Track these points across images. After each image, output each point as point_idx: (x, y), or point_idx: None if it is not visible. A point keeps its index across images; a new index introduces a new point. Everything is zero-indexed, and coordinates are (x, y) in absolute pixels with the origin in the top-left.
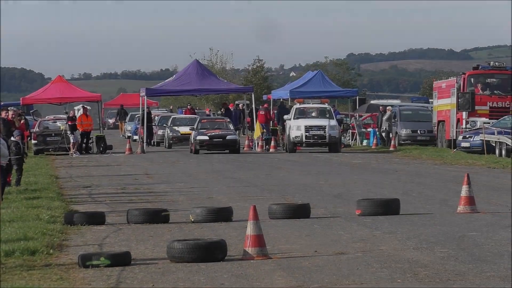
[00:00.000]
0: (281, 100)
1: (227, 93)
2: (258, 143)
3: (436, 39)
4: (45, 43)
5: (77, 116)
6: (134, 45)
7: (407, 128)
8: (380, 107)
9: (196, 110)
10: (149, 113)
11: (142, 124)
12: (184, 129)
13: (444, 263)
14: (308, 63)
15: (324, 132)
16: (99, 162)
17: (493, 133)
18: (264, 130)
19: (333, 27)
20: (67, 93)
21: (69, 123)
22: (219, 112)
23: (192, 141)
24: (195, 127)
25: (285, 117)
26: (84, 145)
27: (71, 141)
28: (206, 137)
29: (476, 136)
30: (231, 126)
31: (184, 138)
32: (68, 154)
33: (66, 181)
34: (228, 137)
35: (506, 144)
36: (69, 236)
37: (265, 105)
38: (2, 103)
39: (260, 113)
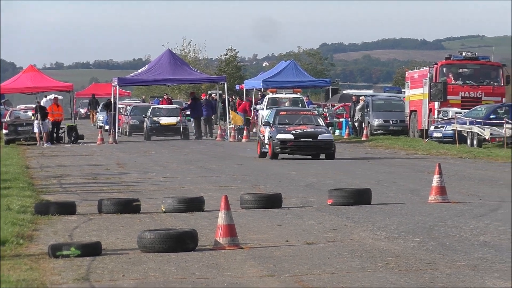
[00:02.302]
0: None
1: (200, 83)
2: (230, 133)
3: (409, 29)
4: (16, 32)
5: (47, 106)
6: (106, 35)
7: (379, 118)
8: (353, 97)
9: (172, 102)
10: (114, 103)
11: (107, 112)
12: (165, 120)
13: (415, 252)
14: (281, 53)
15: None
16: (70, 152)
17: (465, 123)
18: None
19: (306, 18)
20: (38, 82)
21: (33, 112)
22: (186, 102)
23: (266, 140)
24: (271, 122)
25: (258, 107)
26: (55, 135)
27: (35, 130)
28: (290, 136)
29: (448, 126)
30: (320, 121)
31: (165, 129)
32: (39, 144)
33: (37, 171)
34: (320, 137)
35: (478, 134)
36: (40, 226)
37: (249, 98)
38: None
39: (241, 102)
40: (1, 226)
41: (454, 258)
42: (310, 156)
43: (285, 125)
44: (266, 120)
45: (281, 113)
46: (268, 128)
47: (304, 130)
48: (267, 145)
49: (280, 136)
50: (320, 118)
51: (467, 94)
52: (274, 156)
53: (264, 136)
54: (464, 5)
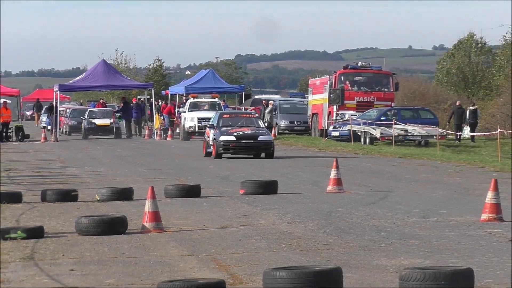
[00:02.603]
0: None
1: (130, 89)
2: (157, 132)
3: (312, 42)
4: None
5: None
6: (49, 46)
7: (285, 119)
8: (263, 101)
9: (107, 106)
10: (55, 106)
11: (50, 116)
12: (100, 121)
13: (314, 235)
14: (201, 62)
15: None
16: (18, 149)
17: (359, 124)
18: (163, 121)
19: (223, 31)
20: None
21: None
22: (119, 106)
23: (211, 141)
24: (215, 124)
25: (180, 109)
26: (4, 134)
27: None
28: (232, 138)
29: (344, 127)
30: (261, 123)
31: (100, 129)
32: None
33: None
34: (260, 138)
35: (370, 134)
36: None
37: (173, 102)
38: None
39: (165, 105)
40: None
41: (348, 239)
42: (252, 156)
43: (228, 127)
44: (211, 123)
45: (224, 116)
46: (212, 130)
47: (245, 132)
48: (211, 146)
49: (223, 138)
50: (260, 121)
51: (361, 99)
52: (218, 156)
53: (209, 137)
54: (360, 19)
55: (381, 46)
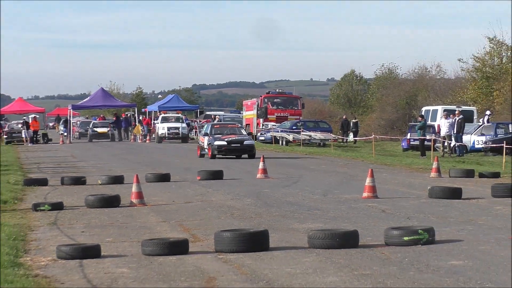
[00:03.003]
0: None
1: (120, 107)
2: (139, 137)
3: (246, 75)
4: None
5: (30, 121)
6: (65, 78)
7: None
8: (212, 116)
9: (106, 119)
10: (69, 119)
11: (66, 126)
12: (100, 129)
13: (249, 207)
14: (169, 89)
15: (178, 130)
16: (44, 148)
17: (278, 131)
18: (143, 130)
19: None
20: (24, 107)
21: (21, 125)
22: (112, 119)
23: (206, 145)
24: (208, 132)
25: (155, 121)
26: (34, 138)
27: (22, 136)
28: (224, 142)
29: (268, 133)
30: (243, 131)
31: (100, 135)
32: (24, 144)
33: (24, 160)
34: (245, 142)
35: (285, 138)
36: (26, 193)
37: (150, 116)
38: None
39: (145, 119)
40: (3, 192)
41: (271, 211)
42: (234, 156)
43: (219, 134)
44: (205, 132)
45: (215, 126)
46: (206, 137)
47: (234, 138)
48: (206, 149)
49: (217, 143)
50: (243, 129)
51: (279, 114)
52: (213, 157)
53: (203, 143)
54: (277, 61)
55: (292, 78)
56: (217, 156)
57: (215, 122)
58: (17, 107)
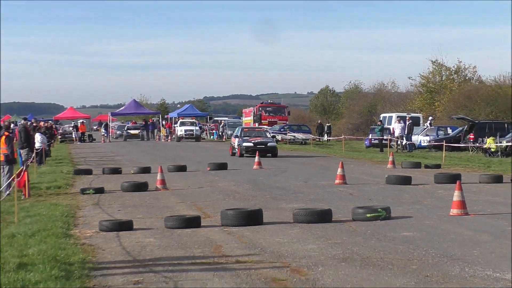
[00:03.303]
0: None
1: (148, 114)
2: (162, 137)
3: (244, 89)
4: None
5: (78, 125)
6: (105, 92)
7: (231, 130)
8: (219, 120)
9: (137, 123)
10: (109, 124)
11: (106, 129)
12: (133, 131)
13: (247, 191)
14: (186, 100)
15: (193, 132)
16: (89, 146)
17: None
18: (166, 132)
19: (197, 81)
20: (74, 114)
21: (72, 128)
22: (142, 123)
23: (236, 145)
24: (238, 135)
25: (175, 125)
26: (82, 138)
27: (73, 136)
28: (251, 144)
29: (280, 136)
30: (268, 134)
31: (133, 136)
32: (74, 143)
33: (74, 155)
34: (269, 144)
35: (276, 137)
36: (76, 180)
37: (171, 121)
38: (40, 118)
39: (167, 123)
40: (57, 179)
41: (265, 193)
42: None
43: (247, 137)
44: (235, 134)
45: (244, 129)
46: (237, 139)
47: (259, 140)
48: (236, 149)
49: (245, 144)
50: (268, 132)
51: (270, 120)
52: (241, 155)
53: (234, 143)
54: (268, 77)
55: (280, 91)
56: (245, 155)
57: (244, 126)
58: (68, 114)
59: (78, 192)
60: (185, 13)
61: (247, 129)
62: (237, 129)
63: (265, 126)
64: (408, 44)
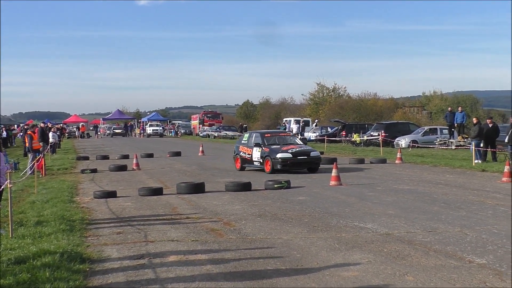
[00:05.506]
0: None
1: (128, 119)
2: (138, 135)
3: (190, 100)
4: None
5: (80, 127)
6: (98, 104)
7: (184, 130)
8: (175, 123)
9: (120, 125)
10: (97, 126)
11: (97, 129)
12: (117, 130)
13: (194, 171)
14: (153, 109)
15: (158, 131)
16: (87, 141)
17: (209, 132)
18: (140, 130)
19: (163, 96)
20: (77, 119)
21: (75, 129)
22: (122, 125)
23: (259, 158)
24: (260, 143)
25: (146, 126)
26: (82, 135)
27: (76, 134)
28: (289, 155)
29: (204, 132)
30: (298, 140)
31: (117, 134)
32: (77, 139)
33: (77, 147)
34: (312, 154)
35: (213, 135)
36: (77, 164)
37: (143, 124)
38: (54, 122)
39: (141, 125)
40: (65, 164)
41: (206, 172)
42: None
43: (275, 145)
44: (255, 142)
45: (266, 135)
46: (256, 148)
47: (298, 149)
48: (258, 162)
49: (281, 155)
50: (297, 138)
51: (210, 123)
52: (273, 171)
53: (249, 154)
54: (209, 96)
55: (216, 104)
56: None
57: (264, 130)
58: (73, 119)
59: (79, 172)
60: (152, 52)
61: (269, 134)
62: (248, 134)
63: (206, 127)
64: (302, 72)
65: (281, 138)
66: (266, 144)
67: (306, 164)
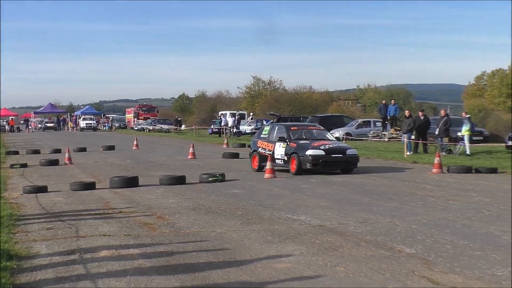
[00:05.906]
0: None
1: (60, 113)
2: (71, 129)
3: (127, 94)
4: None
5: (9, 120)
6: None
7: (119, 123)
8: (109, 116)
9: (51, 119)
10: (28, 120)
11: (27, 123)
12: (49, 124)
13: (128, 164)
14: (86, 103)
15: (91, 124)
16: (17, 135)
17: (144, 125)
18: (74, 123)
19: (97, 90)
20: (6, 113)
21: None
22: (54, 119)
23: (283, 155)
24: (285, 137)
25: (80, 120)
26: (12, 129)
27: (6, 128)
28: (321, 152)
29: (139, 126)
30: (329, 135)
31: (49, 128)
32: (6, 133)
33: (6, 141)
34: (348, 152)
35: (148, 128)
36: (7, 158)
37: (74, 118)
38: None
39: (74, 119)
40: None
41: (141, 166)
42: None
43: (303, 140)
44: (279, 136)
45: (292, 128)
46: (280, 143)
47: (332, 146)
48: (282, 160)
49: (311, 152)
50: (327, 133)
51: (145, 116)
52: (300, 172)
53: (270, 150)
54: (145, 90)
55: (152, 97)
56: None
57: (289, 123)
58: (2, 113)
59: (9, 166)
60: (84, 44)
61: (296, 128)
62: (267, 128)
63: (141, 120)
64: (239, 66)
65: (310, 132)
66: (293, 138)
67: (341, 163)
